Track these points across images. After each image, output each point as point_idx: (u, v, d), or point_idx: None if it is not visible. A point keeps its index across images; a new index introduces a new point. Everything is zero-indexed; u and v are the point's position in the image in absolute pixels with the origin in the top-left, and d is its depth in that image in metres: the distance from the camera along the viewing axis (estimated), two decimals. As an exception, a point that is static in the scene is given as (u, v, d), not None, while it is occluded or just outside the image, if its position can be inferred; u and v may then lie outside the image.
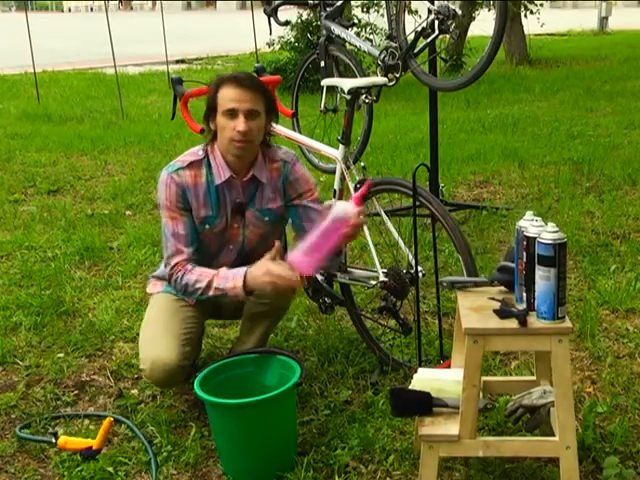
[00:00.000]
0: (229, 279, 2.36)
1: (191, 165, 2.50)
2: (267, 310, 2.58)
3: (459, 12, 3.12)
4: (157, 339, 2.46)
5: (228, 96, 2.41)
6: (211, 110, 2.47)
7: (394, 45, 3.47)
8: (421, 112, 7.96)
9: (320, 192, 5.10)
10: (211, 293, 2.40)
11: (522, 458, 2.23)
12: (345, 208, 2.32)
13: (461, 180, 5.47)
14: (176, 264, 2.46)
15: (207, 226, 2.52)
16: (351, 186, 2.80)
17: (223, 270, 2.41)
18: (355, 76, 3.70)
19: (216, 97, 2.45)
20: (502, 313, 1.95)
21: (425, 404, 2.07)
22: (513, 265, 2.04)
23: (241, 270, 2.36)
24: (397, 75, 3.45)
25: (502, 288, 2.13)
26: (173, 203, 2.47)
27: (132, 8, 67.32)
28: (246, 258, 2.55)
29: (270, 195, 2.58)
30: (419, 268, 2.65)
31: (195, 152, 2.54)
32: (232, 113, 2.41)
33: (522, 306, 1.98)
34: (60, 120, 8.48)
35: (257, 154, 2.55)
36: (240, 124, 2.40)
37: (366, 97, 2.97)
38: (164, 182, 2.48)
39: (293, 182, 2.60)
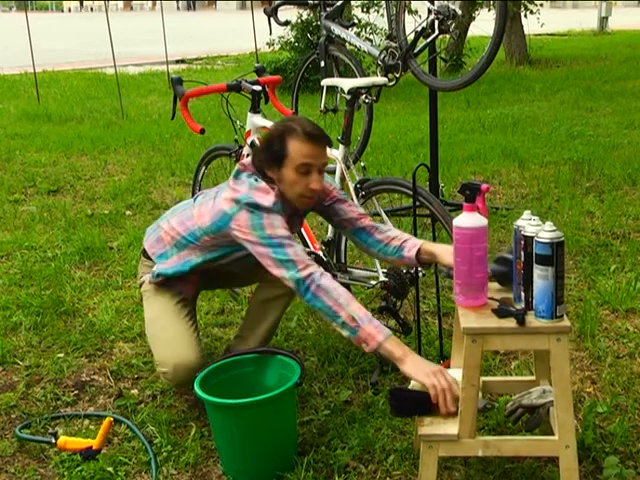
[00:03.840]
0: (373, 323, 2.14)
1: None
2: (283, 293, 2.54)
3: (459, 12, 3.12)
4: (173, 341, 2.46)
5: (303, 152, 2.31)
6: (276, 159, 2.34)
7: (394, 45, 3.47)
8: (421, 112, 7.97)
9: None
10: (344, 317, 2.15)
11: (522, 458, 2.23)
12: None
13: (461, 180, 5.47)
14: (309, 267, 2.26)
15: None
16: (351, 186, 2.80)
17: (364, 310, 2.21)
18: (355, 76, 3.70)
19: (286, 148, 2.32)
20: (500, 312, 1.95)
21: (424, 404, 2.06)
22: (511, 257, 2.02)
23: (386, 329, 2.15)
24: (397, 75, 3.45)
25: (500, 286, 2.13)
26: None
27: (132, 8, 67.20)
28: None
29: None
30: (419, 268, 2.65)
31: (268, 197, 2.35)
32: (307, 170, 2.33)
33: (520, 305, 1.98)
34: (60, 120, 8.48)
35: None
36: (315, 182, 2.34)
37: (366, 97, 2.97)
38: (266, 213, 2.29)
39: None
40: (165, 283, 2.58)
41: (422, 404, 2.05)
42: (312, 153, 2.32)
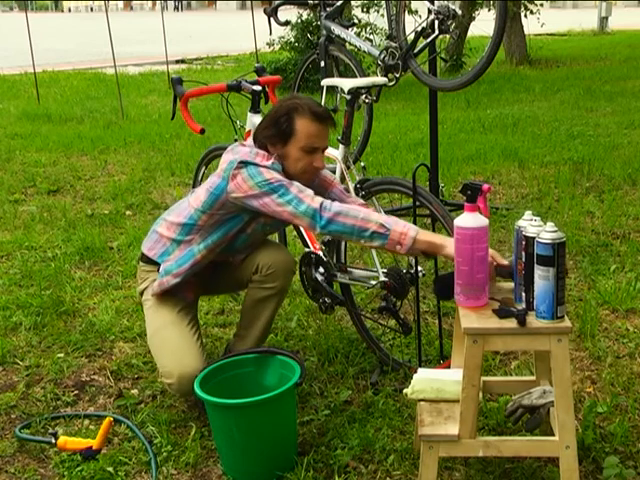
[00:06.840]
0: (399, 224, 2.18)
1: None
2: (273, 294, 2.55)
3: (459, 12, 3.12)
4: (176, 352, 2.45)
5: (310, 132, 2.36)
6: (282, 136, 2.37)
7: (394, 45, 3.47)
8: (421, 112, 7.97)
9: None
10: (372, 227, 2.18)
11: (522, 458, 2.23)
12: None
13: (461, 180, 5.47)
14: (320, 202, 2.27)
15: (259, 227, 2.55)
16: (351, 186, 2.80)
17: (384, 215, 2.31)
18: (355, 76, 3.70)
19: (293, 126, 2.36)
20: (501, 313, 1.95)
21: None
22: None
23: (412, 225, 2.21)
24: (397, 75, 3.45)
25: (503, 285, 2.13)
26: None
27: (132, 8, 67.18)
28: None
29: None
30: (419, 268, 2.65)
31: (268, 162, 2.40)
32: (313, 149, 2.39)
33: (521, 306, 1.98)
34: (60, 120, 8.48)
35: None
36: (319, 161, 2.41)
37: (366, 97, 2.97)
38: (263, 167, 2.31)
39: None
40: (165, 292, 2.58)
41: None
42: (319, 134, 2.38)
